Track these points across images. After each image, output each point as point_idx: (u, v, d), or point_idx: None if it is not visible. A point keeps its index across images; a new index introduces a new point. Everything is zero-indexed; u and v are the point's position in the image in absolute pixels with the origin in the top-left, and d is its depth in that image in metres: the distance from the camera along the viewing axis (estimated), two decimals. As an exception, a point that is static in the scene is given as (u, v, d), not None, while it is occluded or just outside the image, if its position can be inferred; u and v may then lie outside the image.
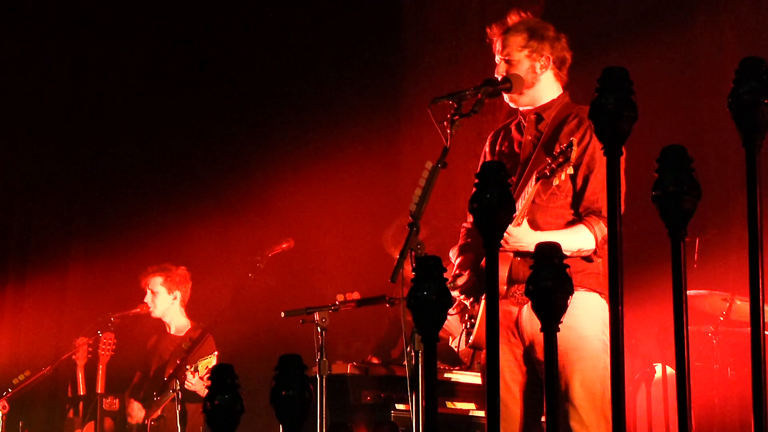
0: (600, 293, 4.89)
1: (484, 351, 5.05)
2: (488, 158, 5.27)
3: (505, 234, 4.71)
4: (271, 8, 9.85)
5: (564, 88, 5.18)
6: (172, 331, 8.64)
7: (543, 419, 4.99)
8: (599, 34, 8.52)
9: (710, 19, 8.46)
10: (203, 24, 9.91)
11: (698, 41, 8.51)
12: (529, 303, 4.97)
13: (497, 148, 5.24)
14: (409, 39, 9.58)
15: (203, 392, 7.89)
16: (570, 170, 4.63)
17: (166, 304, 8.58)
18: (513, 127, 5.24)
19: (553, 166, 4.64)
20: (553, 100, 5.13)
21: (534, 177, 4.73)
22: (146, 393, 8.36)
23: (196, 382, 7.69)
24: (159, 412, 8.03)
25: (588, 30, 8.45)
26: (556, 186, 4.85)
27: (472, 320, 5.10)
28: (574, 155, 4.59)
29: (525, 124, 5.16)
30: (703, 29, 8.49)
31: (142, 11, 9.90)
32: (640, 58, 7.97)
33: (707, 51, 8.47)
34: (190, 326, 8.61)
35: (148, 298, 8.55)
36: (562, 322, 2.34)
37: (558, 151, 4.65)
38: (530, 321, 4.88)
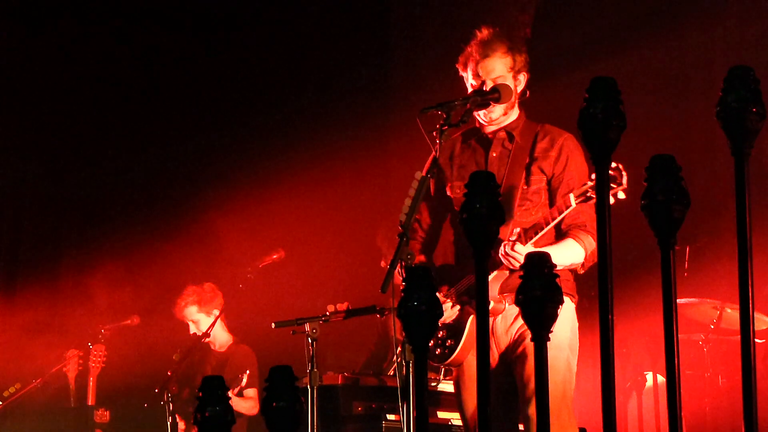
0: (571, 296, 4.94)
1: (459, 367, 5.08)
2: (445, 162, 5.23)
3: (517, 254, 4.73)
4: (261, 18, 9.86)
5: (520, 104, 5.20)
6: (216, 347, 8.61)
7: (521, 427, 5.03)
8: (588, 43, 8.54)
9: (699, 29, 8.48)
10: (194, 35, 9.91)
11: (687, 50, 8.53)
12: (503, 312, 5.00)
13: (457, 161, 5.22)
14: (399, 50, 9.58)
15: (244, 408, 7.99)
16: (621, 195, 4.61)
17: (210, 326, 8.55)
18: (474, 141, 5.22)
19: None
20: (517, 119, 5.15)
21: (572, 197, 4.70)
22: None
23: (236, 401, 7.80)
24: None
25: (577, 40, 8.47)
26: (529, 201, 4.94)
27: (442, 333, 5.08)
28: (626, 179, 4.57)
29: (493, 141, 5.15)
30: (692, 39, 8.51)
31: (135, 26, 9.90)
32: (628, 68, 7.99)
33: (696, 60, 8.49)
34: (231, 341, 8.60)
35: (192, 329, 8.48)
36: (552, 331, 2.35)
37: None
38: (504, 330, 4.93)
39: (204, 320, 8.42)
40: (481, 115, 5.10)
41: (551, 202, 4.98)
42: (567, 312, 4.91)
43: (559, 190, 4.96)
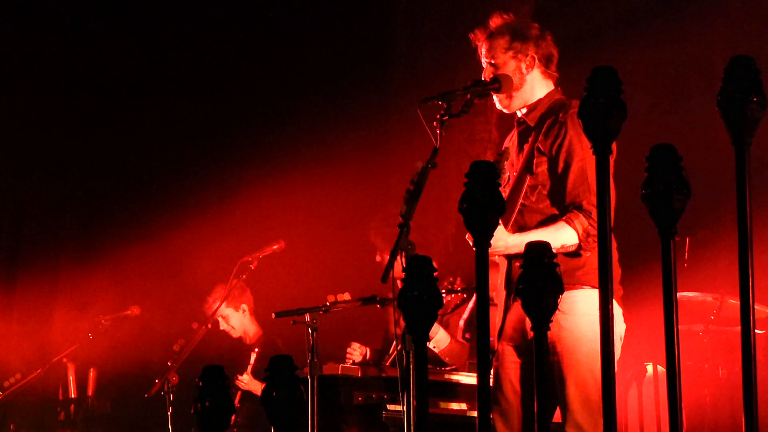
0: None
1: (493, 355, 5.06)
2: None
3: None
4: (263, 11, 9.85)
5: (556, 84, 5.14)
6: (247, 342, 8.66)
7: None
8: (589, 33, 8.53)
9: (700, 18, 8.48)
10: (192, 30, 9.90)
11: (688, 40, 8.52)
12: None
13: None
14: (400, 40, 9.58)
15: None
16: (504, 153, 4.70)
17: (239, 320, 8.58)
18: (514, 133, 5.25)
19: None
20: (540, 100, 5.09)
21: None
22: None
23: (249, 381, 7.86)
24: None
25: (578, 29, 8.46)
26: (542, 185, 4.86)
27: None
28: (500, 167, 4.61)
29: (516, 128, 5.17)
30: (693, 28, 8.51)
31: (134, 27, 9.90)
32: (629, 57, 7.98)
33: (697, 50, 8.48)
34: (260, 333, 8.64)
35: (222, 326, 8.52)
36: (553, 321, 2.34)
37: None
38: (513, 323, 4.92)
39: (233, 315, 8.50)
40: (497, 106, 5.12)
41: (553, 182, 4.92)
42: (594, 311, 4.84)
43: (558, 167, 4.89)
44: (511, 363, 4.96)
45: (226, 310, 8.46)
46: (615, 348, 4.78)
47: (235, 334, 8.59)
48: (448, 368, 6.73)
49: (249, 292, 8.58)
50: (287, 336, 7.78)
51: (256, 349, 8.16)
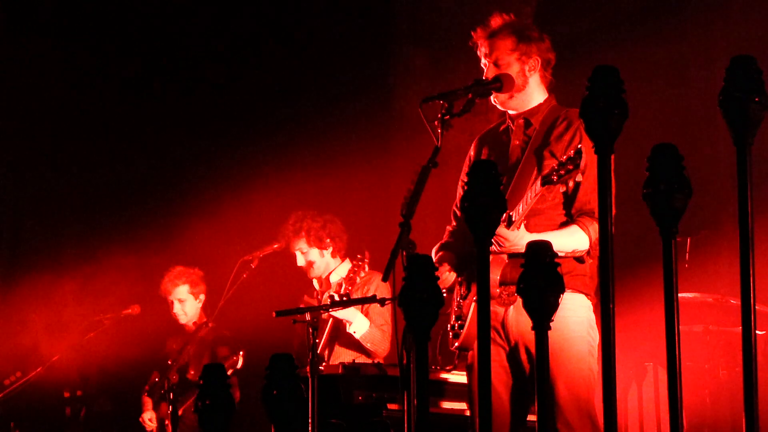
0: (586, 294, 4.88)
1: (472, 350, 5.06)
2: (477, 152, 5.28)
3: (500, 237, 4.71)
4: (263, 12, 9.86)
5: (549, 89, 5.16)
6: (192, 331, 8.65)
7: (529, 418, 4.98)
8: (590, 33, 8.53)
9: (700, 17, 8.48)
10: (194, 28, 9.91)
11: (689, 39, 8.52)
12: (515, 303, 4.95)
13: (485, 152, 5.23)
14: (401, 40, 9.57)
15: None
16: (579, 177, 4.58)
17: (194, 308, 8.55)
18: (501, 132, 5.23)
19: (561, 172, 4.57)
20: (540, 104, 5.10)
21: (539, 182, 4.66)
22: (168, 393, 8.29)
23: None
24: (180, 412, 7.99)
25: (579, 29, 8.47)
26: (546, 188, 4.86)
27: (460, 321, 5.07)
28: (583, 162, 4.54)
29: (513, 129, 5.14)
30: (693, 27, 8.51)
31: (136, 26, 9.91)
32: (630, 57, 7.97)
33: (698, 49, 8.48)
34: (202, 321, 8.63)
35: (176, 309, 8.47)
36: (553, 320, 2.34)
37: (567, 157, 4.59)
38: (516, 322, 4.87)
39: (190, 301, 8.46)
40: (491, 100, 5.11)
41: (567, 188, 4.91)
42: (589, 312, 4.87)
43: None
44: None
45: (186, 295, 8.46)
46: (594, 354, 4.83)
47: (183, 320, 8.52)
48: (447, 368, 6.72)
49: (205, 284, 8.58)
50: (282, 335, 7.74)
51: (242, 352, 8.14)
